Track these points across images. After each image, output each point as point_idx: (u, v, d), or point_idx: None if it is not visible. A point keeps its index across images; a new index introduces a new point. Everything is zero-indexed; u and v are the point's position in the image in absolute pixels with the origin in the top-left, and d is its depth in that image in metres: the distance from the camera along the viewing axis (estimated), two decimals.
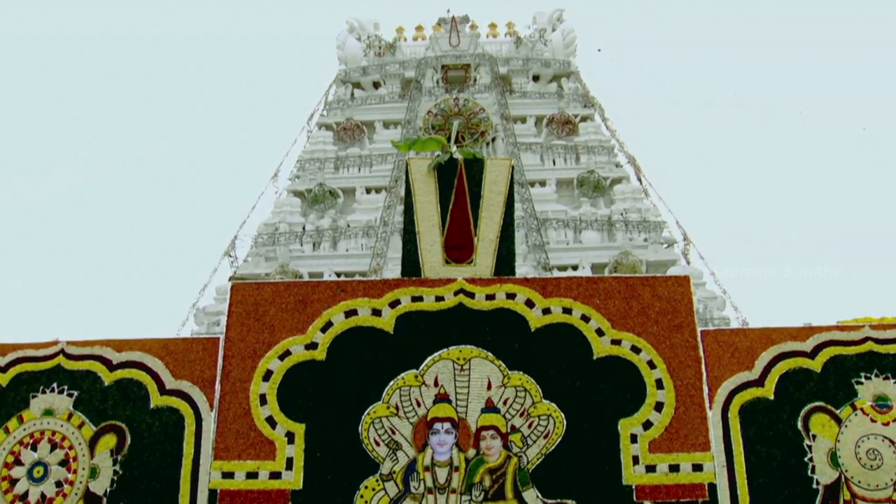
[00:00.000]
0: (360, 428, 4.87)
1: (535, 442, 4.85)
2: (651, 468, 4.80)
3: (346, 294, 5.18)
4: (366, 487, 4.76)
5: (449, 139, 6.11)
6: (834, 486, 4.77)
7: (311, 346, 5.05)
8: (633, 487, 4.77)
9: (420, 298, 5.19)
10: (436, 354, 5.02)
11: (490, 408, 4.91)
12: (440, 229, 5.61)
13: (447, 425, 4.86)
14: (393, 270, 16.94)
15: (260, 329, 5.11)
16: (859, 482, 4.76)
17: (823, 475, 4.79)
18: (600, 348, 5.05)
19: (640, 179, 20.78)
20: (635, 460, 4.81)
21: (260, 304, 5.18)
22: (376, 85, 23.62)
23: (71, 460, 4.87)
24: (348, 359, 5.04)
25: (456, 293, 5.19)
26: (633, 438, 4.85)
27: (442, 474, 4.79)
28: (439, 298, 5.18)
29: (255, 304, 5.18)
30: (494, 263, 5.52)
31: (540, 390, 4.94)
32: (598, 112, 22.34)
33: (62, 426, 4.94)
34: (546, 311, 5.13)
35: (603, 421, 4.91)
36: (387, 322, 5.11)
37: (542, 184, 20.39)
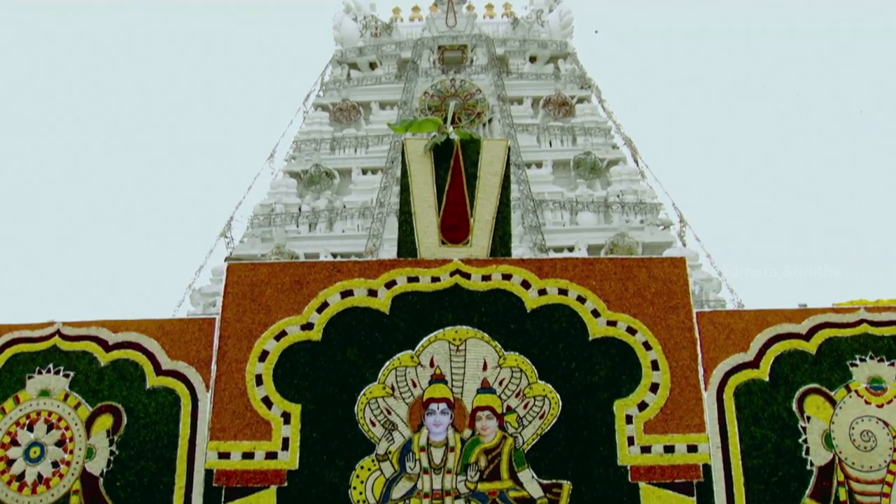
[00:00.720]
0: (355, 408, 4.88)
1: (530, 423, 4.86)
2: (646, 449, 4.82)
3: (342, 275, 5.18)
4: (361, 467, 4.78)
5: (445, 120, 6.09)
6: (828, 468, 4.79)
7: (307, 326, 5.05)
8: (629, 468, 4.79)
9: (416, 279, 5.18)
10: (431, 335, 5.03)
11: (486, 388, 4.92)
12: (436, 210, 5.60)
13: (443, 406, 4.87)
14: (389, 251, 16.92)
15: (256, 310, 5.11)
16: (853, 463, 4.78)
17: (817, 456, 4.81)
18: (596, 329, 5.06)
19: (636, 161, 20.77)
20: (630, 441, 4.82)
21: (256, 284, 5.17)
22: (372, 66, 23.52)
23: (67, 441, 4.87)
24: (344, 339, 5.05)
25: (452, 274, 5.19)
26: (629, 419, 4.86)
27: (437, 454, 4.80)
28: (435, 279, 5.18)
29: (251, 284, 5.18)
30: (490, 244, 5.51)
31: (535, 371, 4.95)
32: (595, 93, 22.29)
33: (58, 407, 4.94)
34: (542, 292, 5.13)
35: (598, 402, 4.92)
36: (383, 303, 5.11)
37: (539, 165, 20.36)
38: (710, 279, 18.24)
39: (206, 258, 19.00)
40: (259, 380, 4.93)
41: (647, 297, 5.13)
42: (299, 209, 19.52)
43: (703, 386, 4.95)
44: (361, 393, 4.91)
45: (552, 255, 17.24)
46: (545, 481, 4.77)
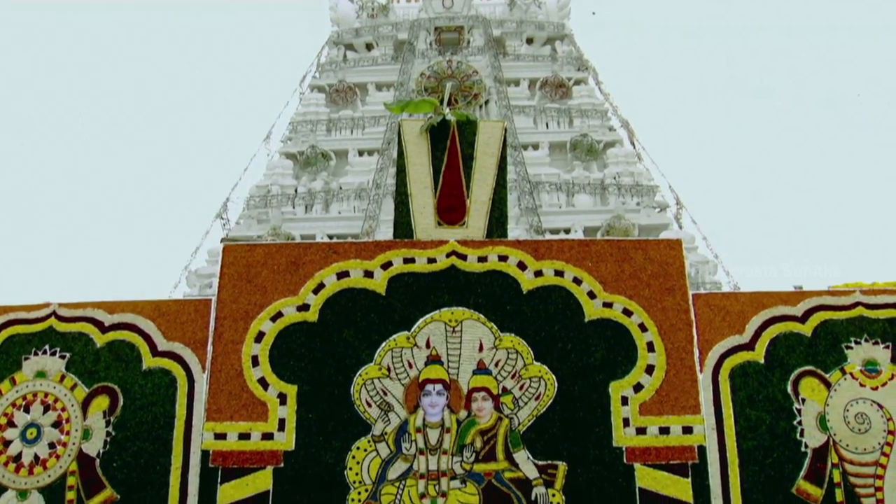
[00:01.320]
0: (351, 389, 4.89)
1: (526, 404, 4.87)
2: (641, 430, 4.83)
3: (339, 256, 5.17)
4: (357, 448, 4.79)
5: (442, 101, 6.07)
6: (822, 450, 4.81)
7: (303, 307, 5.05)
8: (624, 449, 4.80)
9: (412, 260, 5.18)
10: (427, 316, 5.03)
11: (481, 370, 4.93)
12: (432, 191, 5.59)
13: (438, 387, 4.88)
14: (385, 233, 16.96)
15: (252, 291, 5.10)
16: (847, 445, 4.80)
17: (812, 438, 4.83)
18: (592, 311, 5.06)
19: (633, 143, 20.80)
20: (626, 422, 4.84)
21: (252, 265, 5.17)
22: (369, 47, 23.50)
23: (64, 422, 4.88)
24: (340, 320, 5.05)
25: (448, 255, 5.19)
26: (624, 401, 4.88)
27: (433, 435, 4.82)
28: (431, 260, 5.18)
29: (248, 265, 5.17)
30: (487, 226, 5.51)
31: (531, 352, 4.96)
32: (592, 75, 22.28)
33: (55, 388, 4.95)
34: (538, 274, 5.13)
35: (593, 383, 4.93)
36: (378, 284, 5.11)
37: (535, 147, 20.39)
38: (706, 262, 18.31)
39: (203, 240, 19.03)
40: (255, 361, 4.93)
41: (643, 279, 5.13)
42: (295, 191, 19.54)
43: (698, 368, 4.96)
44: (357, 374, 4.91)
45: (548, 237, 17.25)
46: (541, 462, 4.78)
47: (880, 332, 5.03)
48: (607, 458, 4.80)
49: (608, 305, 5.07)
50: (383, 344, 4.97)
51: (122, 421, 4.88)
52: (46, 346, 5.05)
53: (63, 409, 4.90)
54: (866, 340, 5.01)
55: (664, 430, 4.82)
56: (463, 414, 4.86)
